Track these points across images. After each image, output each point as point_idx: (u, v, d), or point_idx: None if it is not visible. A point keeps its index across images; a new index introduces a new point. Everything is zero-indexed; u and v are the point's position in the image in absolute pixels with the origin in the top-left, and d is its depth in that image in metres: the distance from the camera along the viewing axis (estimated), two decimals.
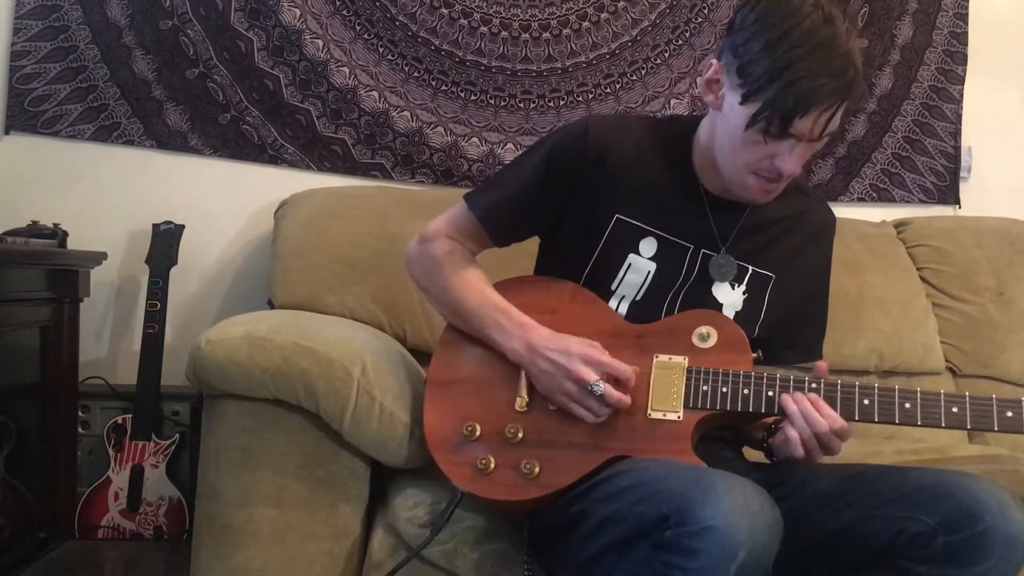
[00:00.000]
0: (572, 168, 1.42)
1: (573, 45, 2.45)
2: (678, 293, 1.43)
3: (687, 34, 2.50)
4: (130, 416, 2.13)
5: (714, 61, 1.36)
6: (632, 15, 2.48)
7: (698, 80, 1.93)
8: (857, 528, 1.23)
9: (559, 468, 1.31)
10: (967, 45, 2.63)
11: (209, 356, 1.44)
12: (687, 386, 1.31)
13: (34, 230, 2.07)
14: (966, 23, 2.63)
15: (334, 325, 1.66)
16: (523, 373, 1.37)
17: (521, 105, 2.43)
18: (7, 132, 2.27)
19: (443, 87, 2.41)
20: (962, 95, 2.63)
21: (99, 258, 2.18)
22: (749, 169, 1.34)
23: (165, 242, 2.20)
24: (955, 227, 2.44)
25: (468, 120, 2.41)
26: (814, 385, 1.28)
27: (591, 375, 1.30)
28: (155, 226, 2.21)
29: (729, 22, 1.35)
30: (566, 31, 2.45)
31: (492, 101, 2.42)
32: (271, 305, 2.03)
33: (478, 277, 1.46)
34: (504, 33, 2.42)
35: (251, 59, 2.33)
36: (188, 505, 2.09)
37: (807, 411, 1.25)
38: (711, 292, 1.43)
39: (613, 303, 1.42)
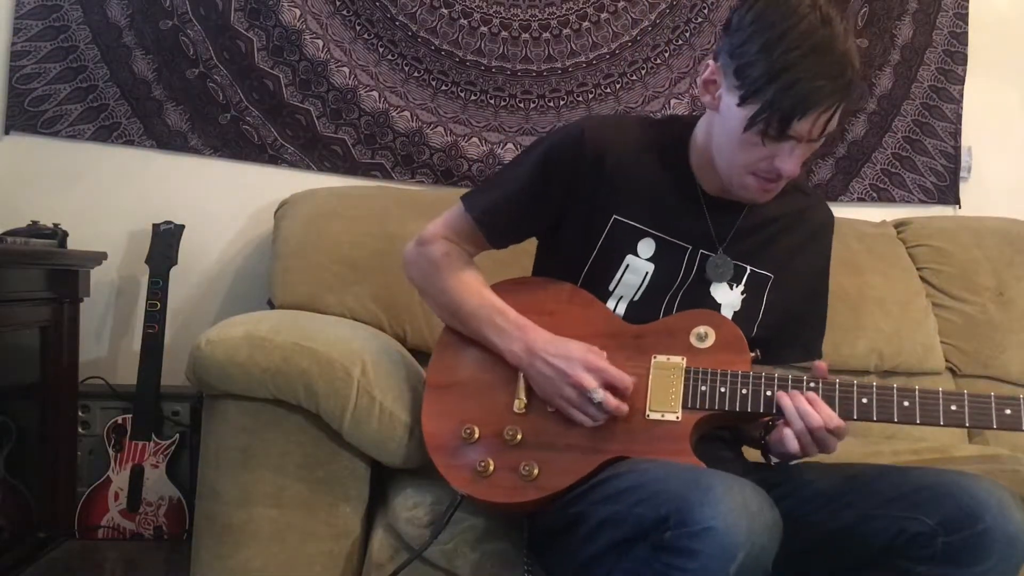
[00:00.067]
0: (570, 168, 1.41)
1: (573, 45, 2.45)
2: (676, 293, 1.43)
3: (687, 34, 2.50)
4: (130, 416, 2.13)
5: (711, 62, 1.35)
6: (632, 15, 2.48)
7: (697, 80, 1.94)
8: (857, 528, 1.23)
9: (558, 470, 1.31)
10: (967, 45, 2.63)
11: (209, 356, 1.44)
12: (685, 386, 1.31)
13: (34, 230, 2.07)
14: (966, 23, 2.63)
15: (334, 325, 1.66)
16: (521, 375, 1.37)
17: (521, 105, 2.43)
18: (7, 132, 2.27)
19: (443, 87, 2.41)
20: (962, 95, 2.63)
21: (99, 258, 2.18)
22: (748, 170, 1.34)
23: (165, 242, 2.20)
24: (955, 227, 2.44)
25: (468, 120, 2.42)
26: (812, 384, 1.28)
27: (591, 381, 1.29)
28: (155, 226, 2.21)
29: (726, 23, 1.34)
30: (566, 31, 2.45)
31: (492, 101, 2.42)
32: (271, 305, 2.03)
33: (476, 279, 1.46)
34: (504, 33, 2.42)
35: (251, 59, 2.33)
36: (188, 505, 2.09)
37: (802, 407, 1.25)
38: (709, 292, 1.43)
39: (611, 304, 1.42)
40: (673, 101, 2.49)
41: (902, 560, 1.19)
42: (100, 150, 2.31)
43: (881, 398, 1.26)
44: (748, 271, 1.45)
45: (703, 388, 1.31)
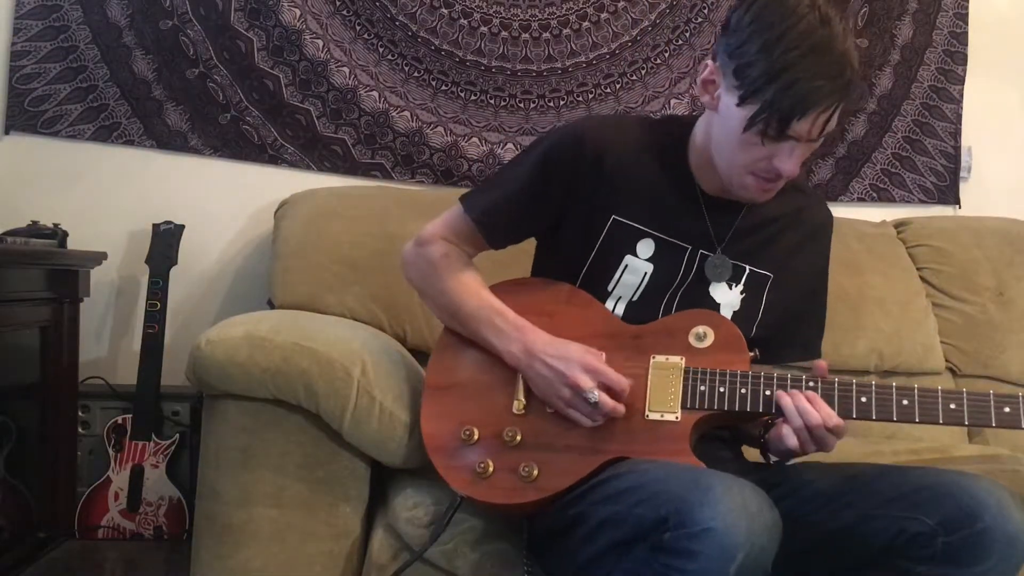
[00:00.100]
0: (570, 168, 1.41)
1: (573, 45, 2.45)
2: (675, 293, 1.43)
3: (687, 34, 2.50)
4: (130, 416, 2.13)
5: (709, 62, 1.35)
6: (632, 15, 2.48)
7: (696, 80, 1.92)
8: (857, 528, 1.23)
9: (557, 471, 1.30)
10: (967, 45, 2.63)
11: (209, 356, 1.44)
12: (684, 386, 1.31)
13: (34, 230, 2.07)
14: (966, 23, 2.63)
15: (334, 325, 1.66)
16: (520, 376, 1.37)
17: (521, 105, 2.43)
18: (7, 132, 2.27)
19: (443, 87, 2.41)
20: (962, 95, 2.63)
21: (99, 258, 2.18)
22: (747, 170, 1.34)
23: (165, 242, 2.20)
24: (955, 227, 2.44)
25: (468, 120, 2.42)
26: (812, 384, 1.28)
27: (588, 382, 1.29)
28: (155, 226, 2.21)
29: (724, 22, 1.34)
30: (566, 31, 2.45)
31: (492, 101, 2.42)
32: (271, 305, 2.03)
33: (475, 280, 1.46)
34: (504, 33, 2.42)
35: (251, 59, 2.33)
36: (188, 505, 2.09)
37: (801, 405, 1.25)
38: (708, 292, 1.43)
39: (610, 304, 1.42)
40: (673, 101, 2.49)
41: (902, 560, 1.19)
42: (100, 150, 2.31)
43: (880, 397, 1.26)
44: (747, 271, 1.45)
45: (702, 388, 1.31)
